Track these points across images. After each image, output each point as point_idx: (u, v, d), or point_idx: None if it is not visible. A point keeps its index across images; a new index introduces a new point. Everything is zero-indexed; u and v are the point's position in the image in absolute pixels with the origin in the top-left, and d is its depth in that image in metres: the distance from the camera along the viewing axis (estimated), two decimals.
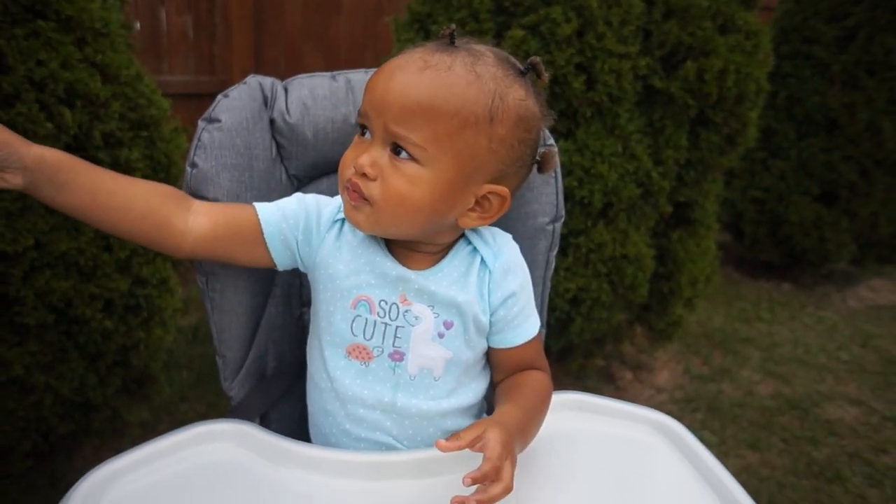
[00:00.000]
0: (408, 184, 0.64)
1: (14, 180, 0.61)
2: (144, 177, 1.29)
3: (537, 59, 0.67)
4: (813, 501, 1.70)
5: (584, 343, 1.97)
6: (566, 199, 1.72)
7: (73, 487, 0.57)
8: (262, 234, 0.72)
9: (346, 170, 0.67)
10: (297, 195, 0.75)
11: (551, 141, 0.82)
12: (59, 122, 1.06)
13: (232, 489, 0.61)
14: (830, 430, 2.02)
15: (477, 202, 0.68)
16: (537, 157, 0.72)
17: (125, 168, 1.22)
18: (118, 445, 1.64)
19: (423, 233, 0.70)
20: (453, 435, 0.60)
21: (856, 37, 2.80)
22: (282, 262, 0.74)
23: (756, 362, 2.45)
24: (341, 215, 0.73)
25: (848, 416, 2.12)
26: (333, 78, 0.81)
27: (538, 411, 0.71)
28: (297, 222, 0.73)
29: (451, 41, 0.66)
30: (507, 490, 0.56)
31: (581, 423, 0.75)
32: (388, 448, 0.72)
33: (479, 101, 0.63)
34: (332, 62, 2.92)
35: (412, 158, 0.63)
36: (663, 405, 2.14)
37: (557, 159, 0.80)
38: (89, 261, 1.18)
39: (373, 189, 0.64)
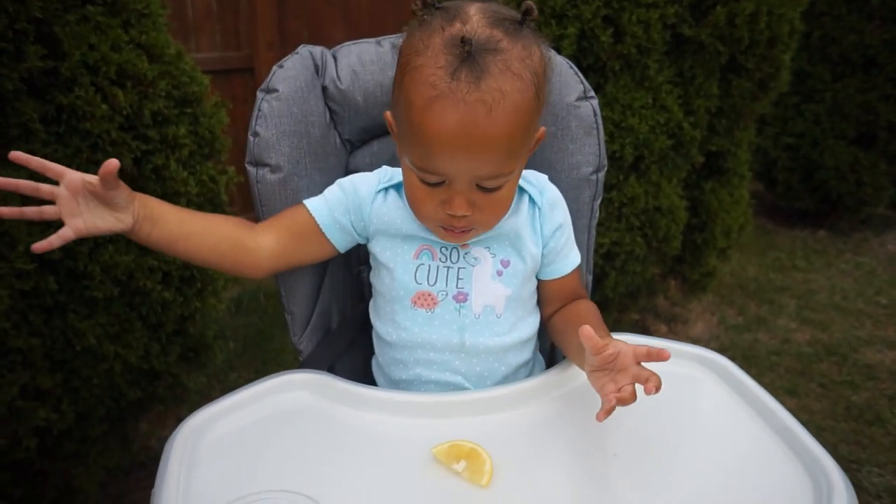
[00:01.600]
0: (504, 198, 0.70)
1: (126, 219, 0.67)
2: (191, 153, 1.34)
3: (528, 3, 0.65)
4: (853, 443, 1.73)
5: (618, 297, 1.99)
6: None
7: (175, 432, 0.63)
8: (318, 227, 0.78)
9: (434, 215, 0.69)
10: (338, 181, 0.80)
11: (592, 93, 0.83)
12: (113, 103, 1.10)
13: (313, 431, 0.67)
14: (869, 375, 2.03)
15: None
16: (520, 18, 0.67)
17: (173, 144, 1.27)
18: (178, 411, 1.74)
19: None
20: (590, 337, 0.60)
21: None
22: (343, 246, 0.80)
23: (792, 310, 2.45)
24: (383, 185, 0.78)
25: (888, 359, 2.12)
26: (378, 43, 0.84)
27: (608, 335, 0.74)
28: (346, 206, 0.78)
29: (469, 51, 0.61)
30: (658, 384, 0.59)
31: None
32: (456, 387, 0.78)
33: (531, 97, 0.64)
34: (355, 31, 2.92)
35: (503, 184, 0.67)
36: None
37: (598, 112, 0.82)
38: None
39: (475, 218, 0.69)
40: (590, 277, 0.89)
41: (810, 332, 2.30)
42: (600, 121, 0.82)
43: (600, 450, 0.65)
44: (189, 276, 1.38)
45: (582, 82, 0.83)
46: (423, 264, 0.77)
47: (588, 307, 0.81)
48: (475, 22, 0.63)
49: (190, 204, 1.33)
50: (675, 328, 2.38)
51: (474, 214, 0.68)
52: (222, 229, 0.75)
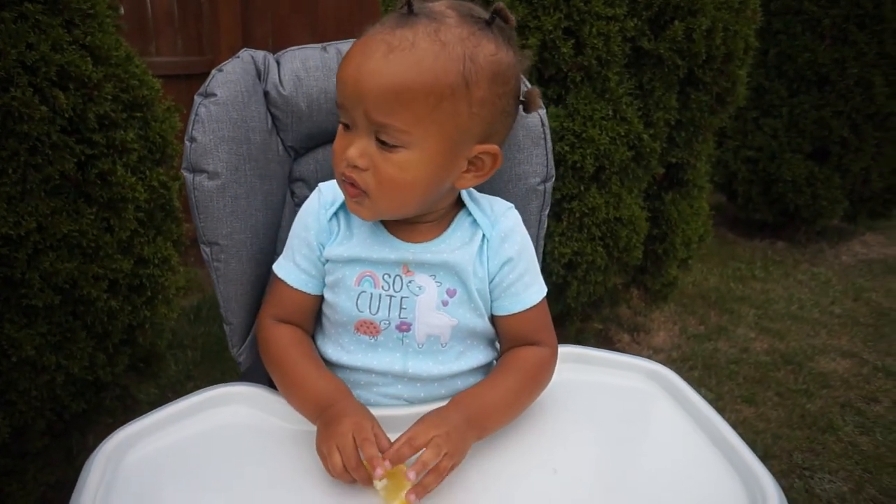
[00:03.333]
0: (399, 170, 0.64)
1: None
2: (140, 158, 1.30)
3: (500, 4, 0.66)
4: (806, 451, 1.76)
5: (580, 307, 2.00)
6: (558, 164, 1.75)
7: (96, 450, 0.60)
8: (304, 294, 0.76)
9: (339, 163, 0.67)
10: (294, 226, 0.78)
11: (540, 103, 0.83)
12: (54, 105, 1.06)
13: (247, 448, 0.64)
14: (823, 383, 2.08)
15: (470, 163, 0.69)
16: (521, 99, 0.72)
17: (120, 149, 1.23)
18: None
19: (423, 207, 0.71)
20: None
21: None
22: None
23: (751, 320, 2.49)
24: (333, 209, 0.76)
25: (840, 367, 2.17)
26: (324, 49, 0.83)
27: (517, 396, 0.72)
28: (311, 253, 0.76)
29: (409, 10, 0.64)
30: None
31: (578, 374, 0.78)
32: (398, 401, 0.75)
33: (450, 70, 0.62)
34: (320, 37, 2.89)
35: (398, 144, 0.64)
36: None
37: (540, 100, 0.80)
38: (91, 242, 1.19)
39: (367, 179, 0.65)
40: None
41: (768, 341, 2.35)
42: (548, 131, 0.81)
43: (540, 466, 0.64)
44: (138, 285, 1.34)
45: None
46: (364, 292, 0.74)
47: (517, 360, 0.75)
48: (438, 2, 0.65)
49: (139, 210, 1.29)
50: (638, 337, 2.40)
51: (366, 175, 0.65)
52: (312, 357, 0.76)
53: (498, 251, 0.74)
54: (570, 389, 0.76)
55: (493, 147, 0.68)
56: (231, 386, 0.69)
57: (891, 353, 2.26)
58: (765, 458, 1.79)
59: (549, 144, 0.82)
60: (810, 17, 2.85)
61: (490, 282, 0.75)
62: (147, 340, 1.43)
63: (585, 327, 2.26)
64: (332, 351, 0.77)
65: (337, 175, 0.69)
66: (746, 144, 3.09)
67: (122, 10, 2.11)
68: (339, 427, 0.62)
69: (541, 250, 0.88)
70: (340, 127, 0.68)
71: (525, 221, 0.83)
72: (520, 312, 0.75)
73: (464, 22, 0.64)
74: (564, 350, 0.80)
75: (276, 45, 2.82)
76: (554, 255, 1.79)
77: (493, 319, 0.78)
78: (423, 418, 0.65)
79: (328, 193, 0.77)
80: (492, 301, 0.76)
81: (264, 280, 0.84)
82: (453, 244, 0.74)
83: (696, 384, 2.19)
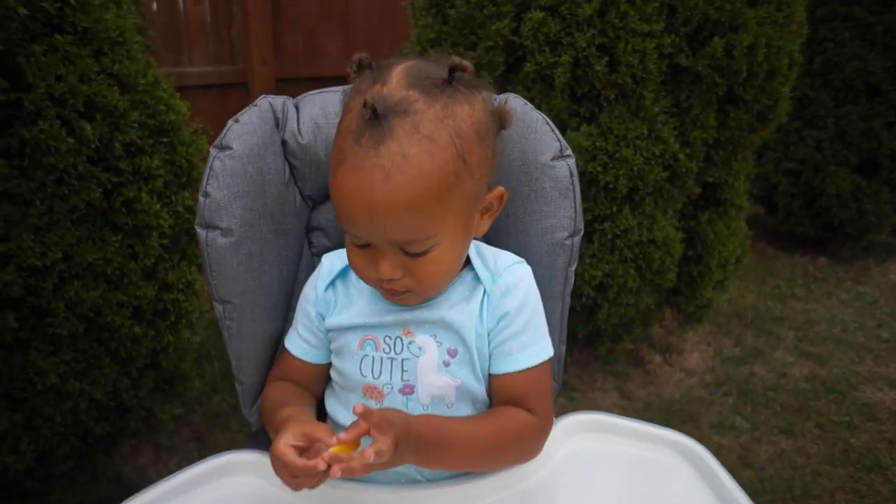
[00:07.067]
0: (436, 265, 0.65)
1: None
2: (166, 183, 1.29)
3: (453, 58, 0.63)
4: (850, 491, 1.67)
5: (611, 328, 1.94)
6: (590, 184, 1.69)
7: None
8: (306, 363, 0.77)
9: (369, 278, 0.67)
10: (300, 297, 0.78)
11: (569, 152, 0.79)
12: (80, 136, 1.06)
13: None
14: (869, 415, 1.97)
15: (481, 214, 0.70)
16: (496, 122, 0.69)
17: (146, 176, 1.23)
18: (154, 440, 1.69)
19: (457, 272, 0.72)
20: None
21: None
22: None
23: (790, 342, 2.39)
24: (331, 278, 0.76)
25: (888, 399, 2.06)
26: (344, 93, 0.79)
27: (481, 450, 0.68)
28: (311, 323, 0.76)
29: (374, 114, 0.59)
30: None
31: (602, 444, 0.74)
32: (407, 477, 0.72)
33: (447, 159, 0.61)
34: (352, 45, 2.89)
35: (428, 249, 0.64)
36: (693, 389, 2.11)
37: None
38: (116, 270, 1.20)
39: (407, 283, 0.65)
40: (563, 348, 0.83)
41: (808, 366, 2.25)
42: (577, 181, 0.77)
43: None
44: (162, 310, 1.34)
45: (558, 140, 0.78)
46: (367, 356, 0.72)
47: (499, 413, 0.71)
48: (393, 83, 0.62)
49: (163, 237, 1.29)
50: (670, 358, 2.32)
51: (406, 279, 0.65)
52: (294, 394, 0.77)
53: (497, 306, 0.71)
54: (592, 461, 0.72)
55: (499, 189, 0.70)
56: (240, 454, 0.67)
57: None
58: (804, 496, 1.71)
59: (578, 196, 0.78)
60: (860, 23, 2.71)
61: (488, 335, 0.72)
62: (170, 364, 1.43)
63: (615, 348, 2.20)
64: (342, 415, 0.75)
65: (371, 284, 0.70)
66: (788, 156, 2.97)
67: (151, 32, 2.12)
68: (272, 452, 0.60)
69: (567, 307, 0.83)
70: (353, 245, 0.66)
71: (551, 278, 0.79)
72: (511, 373, 0.71)
73: (430, 98, 0.61)
74: (588, 417, 0.76)
75: (306, 53, 2.82)
76: (584, 277, 1.74)
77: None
78: (388, 415, 0.59)
79: (327, 264, 0.77)
80: (489, 358, 0.73)
81: (277, 337, 0.82)
82: (452, 300, 0.72)
83: (731, 412, 2.10)
